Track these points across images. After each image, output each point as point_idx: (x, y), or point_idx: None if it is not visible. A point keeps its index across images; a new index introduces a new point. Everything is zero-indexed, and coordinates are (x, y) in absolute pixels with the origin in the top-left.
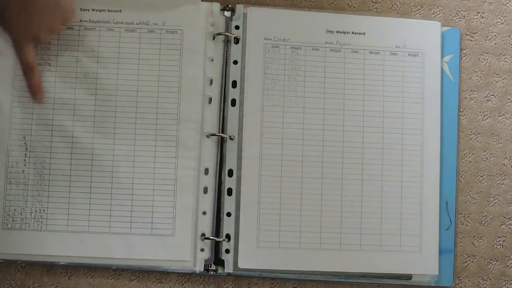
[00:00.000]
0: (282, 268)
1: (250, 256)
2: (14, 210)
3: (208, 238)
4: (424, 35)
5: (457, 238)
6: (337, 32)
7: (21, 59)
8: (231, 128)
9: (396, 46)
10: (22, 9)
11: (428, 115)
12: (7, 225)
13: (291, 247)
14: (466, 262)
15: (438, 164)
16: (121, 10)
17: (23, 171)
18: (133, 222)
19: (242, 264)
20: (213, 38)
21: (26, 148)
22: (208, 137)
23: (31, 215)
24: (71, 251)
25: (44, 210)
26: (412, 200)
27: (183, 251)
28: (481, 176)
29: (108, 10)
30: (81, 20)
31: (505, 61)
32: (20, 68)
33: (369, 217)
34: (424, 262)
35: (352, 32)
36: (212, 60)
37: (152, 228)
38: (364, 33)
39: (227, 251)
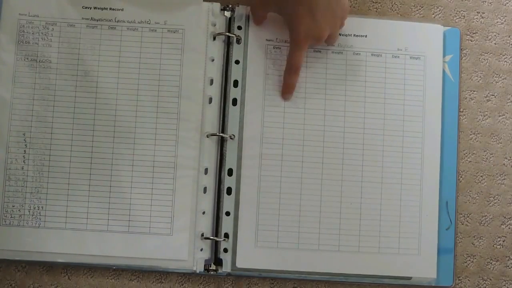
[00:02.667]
0: (280, 268)
1: (248, 256)
2: (13, 206)
3: (207, 238)
4: (426, 38)
5: (457, 238)
6: (339, 34)
7: (291, 59)
8: (232, 127)
9: (398, 49)
10: (307, 11)
11: (429, 118)
12: (5, 222)
13: (290, 248)
14: (466, 262)
15: (438, 167)
16: (123, 9)
17: (22, 168)
18: (131, 220)
19: (240, 264)
20: (214, 38)
21: (25, 145)
22: (208, 137)
23: (29, 212)
24: (69, 249)
25: (42, 207)
26: (411, 202)
27: (181, 251)
28: (481, 176)
29: (110, 9)
30: (82, 18)
31: (505, 61)
32: (286, 66)
33: (368, 218)
34: (422, 264)
35: (354, 35)
36: (213, 60)
37: (150, 227)
38: (366, 36)
39: (225, 250)
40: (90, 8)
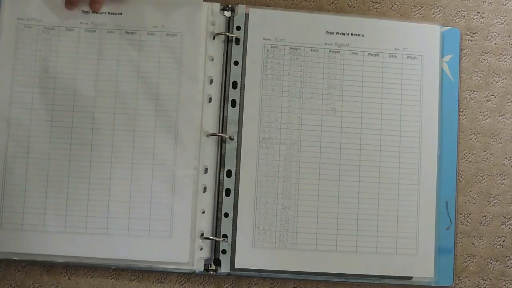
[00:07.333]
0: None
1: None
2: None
3: (207, 238)
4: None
5: (457, 238)
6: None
7: None
8: (231, 128)
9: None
10: None
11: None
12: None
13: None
14: (466, 262)
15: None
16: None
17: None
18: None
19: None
20: (213, 38)
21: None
22: (208, 136)
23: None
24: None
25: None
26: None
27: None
28: (481, 176)
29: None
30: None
31: (505, 61)
32: None
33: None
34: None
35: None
36: (212, 59)
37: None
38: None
39: (224, 251)
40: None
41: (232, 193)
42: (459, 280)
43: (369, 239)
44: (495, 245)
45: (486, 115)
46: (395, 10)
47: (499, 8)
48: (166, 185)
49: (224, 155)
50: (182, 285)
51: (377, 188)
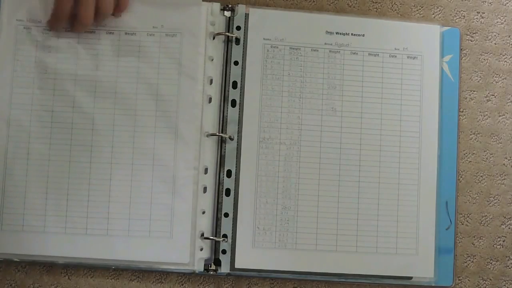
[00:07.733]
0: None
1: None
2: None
3: (207, 238)
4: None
5: (457, 238)
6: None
7: None
8: (231, 128)
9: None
10: None
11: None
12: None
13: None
14: (466, 262)
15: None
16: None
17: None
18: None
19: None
20: (213, 38)
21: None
22: (208, 136)
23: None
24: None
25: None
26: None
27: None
28: (481, 176)
29: None
30: None
31: (505, 61)
32: None
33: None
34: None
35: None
36: (212, 59)
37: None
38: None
39: (224, 251)
40: None
41: (232, 193)
42: (459, 280)
43: (369, 239)
44: (495, 245)
45: (486, 115)
46: (395, 10)
47: (499, 8)
48: (166, 185)
49: (224, 155)
50: (182, 285)
51: (377, 188)
